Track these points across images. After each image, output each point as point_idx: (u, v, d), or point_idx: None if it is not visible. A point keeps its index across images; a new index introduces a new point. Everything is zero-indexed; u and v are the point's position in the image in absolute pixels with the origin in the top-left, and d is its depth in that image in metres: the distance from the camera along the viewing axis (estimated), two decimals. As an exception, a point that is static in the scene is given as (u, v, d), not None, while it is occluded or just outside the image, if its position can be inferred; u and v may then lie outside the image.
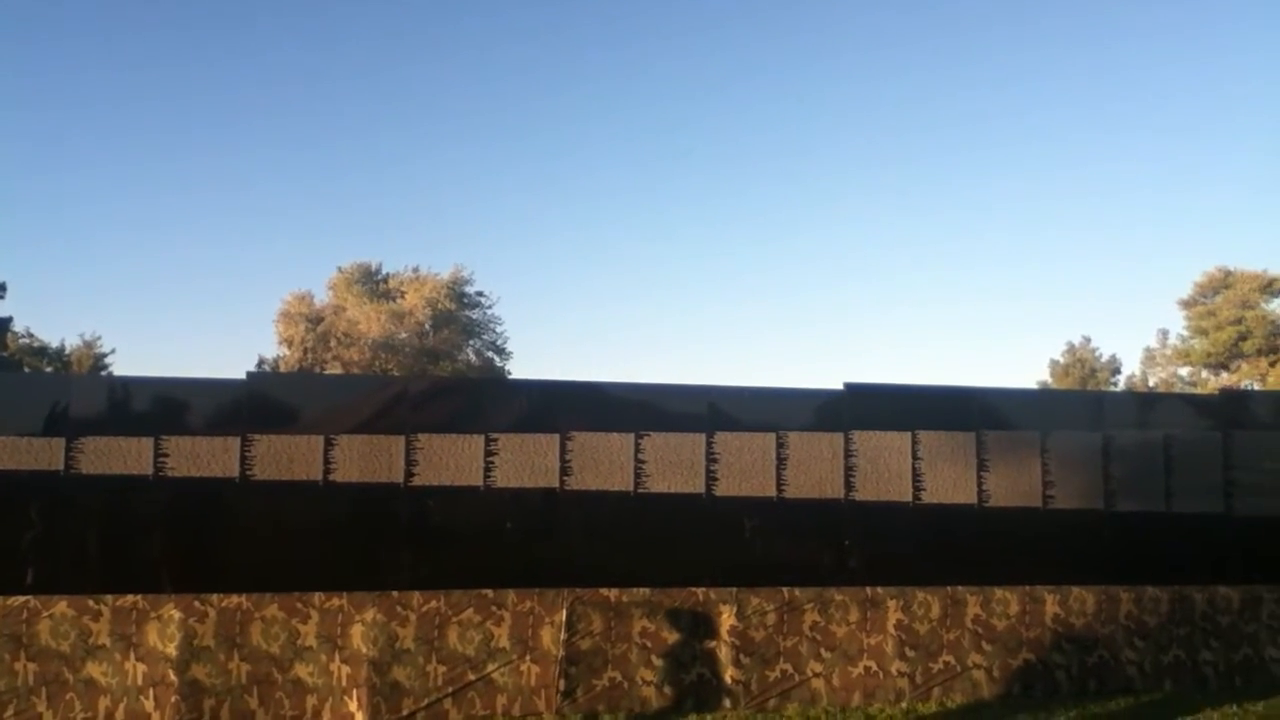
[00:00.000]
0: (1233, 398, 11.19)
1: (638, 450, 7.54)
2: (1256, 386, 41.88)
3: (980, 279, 72.32)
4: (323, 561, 7.14)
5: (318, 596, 6.87)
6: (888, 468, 7.92)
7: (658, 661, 7.16)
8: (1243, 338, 44.05)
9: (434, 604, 6.97)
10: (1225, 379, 44.25)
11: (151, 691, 6.57)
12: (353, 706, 6.76)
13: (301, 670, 6.77)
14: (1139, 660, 7.87)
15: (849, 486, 7.87)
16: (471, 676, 6.93)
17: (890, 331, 69.67)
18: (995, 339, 70.15)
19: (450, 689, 6.89)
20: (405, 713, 6.80)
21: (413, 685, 6.85)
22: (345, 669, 6.81)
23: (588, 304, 71.42)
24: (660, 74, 72.97)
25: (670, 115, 74.62)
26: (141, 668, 6.59)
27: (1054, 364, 48.30)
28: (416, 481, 7.22)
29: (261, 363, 43.77)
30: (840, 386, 8.12)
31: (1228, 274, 45.75)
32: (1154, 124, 68.56)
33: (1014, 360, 71.58)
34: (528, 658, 7.03)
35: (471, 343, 48.43)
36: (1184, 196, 67.50)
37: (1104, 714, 7.07)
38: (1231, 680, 7.94)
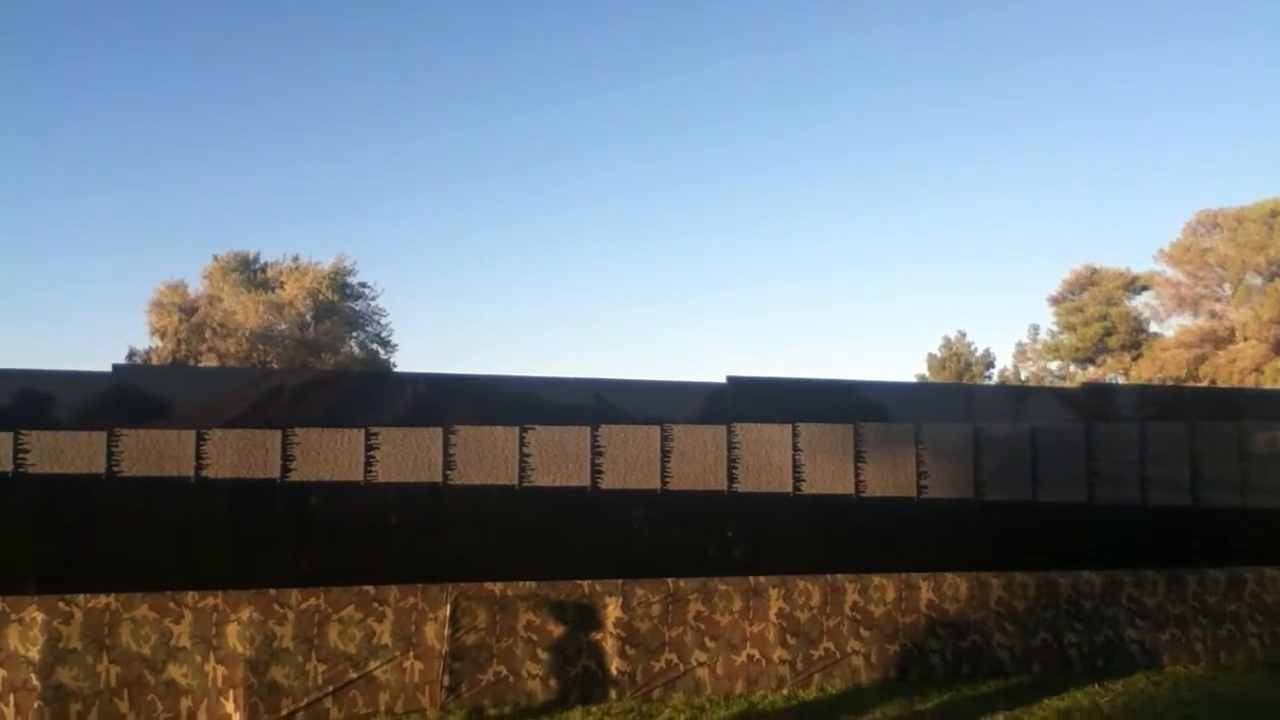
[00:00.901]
0: (1096, 391, 11.72)
1: (522, 443, 7.52)
2: (1120, 380, 43.92)
3: (863, 276, 74.22)
4: (196, 560, 6.94)
5: (191, 596, 6.66)
6: (769, 459, 8.06)
7: (543, 655, 7.16)
8: (1108, 333, 46.19)
9: (313, 601, 6.84)
10: (1091, 373, 46.29)
11: (12, 698, 6.29)
12: (229, 707, 6.59)
13: (175, 671, 6.56)
14: (1009, 644, 8.17)
15: (732, 478, 7.98)
16: (353, 674, 6.82)
17: (775, 326, 71.04)
18: (878, 334, 72.09)
19: (331, 687, 6.76)
20: (284, 712, 6.65)
21: (292, 684, 6.70)
22: (221, 669, 6.63)
23: (475, 297, 70.95)
24: (542, 58, 72.84)
25: (556, 102, 74.48)
26: (1, 673, 6.30)
27: (932, 358, 49.93)
28: (294, 477, 7.07)
29: (132, 354, 42.11)
30: (723, 380, 8.24)
31: (1094, 272, 47.89)
32: (1026, 125, 71.26)
33: (895, 354, 73.72)
34: (411, 654, 6.94)
35: (355, 335, 47.39)
36: (1055, 196, 70.38)
37: (976, 697, 7.31)
38: (1094, 661, 8.30)
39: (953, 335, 50.29)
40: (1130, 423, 9.15)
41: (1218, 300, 45.33)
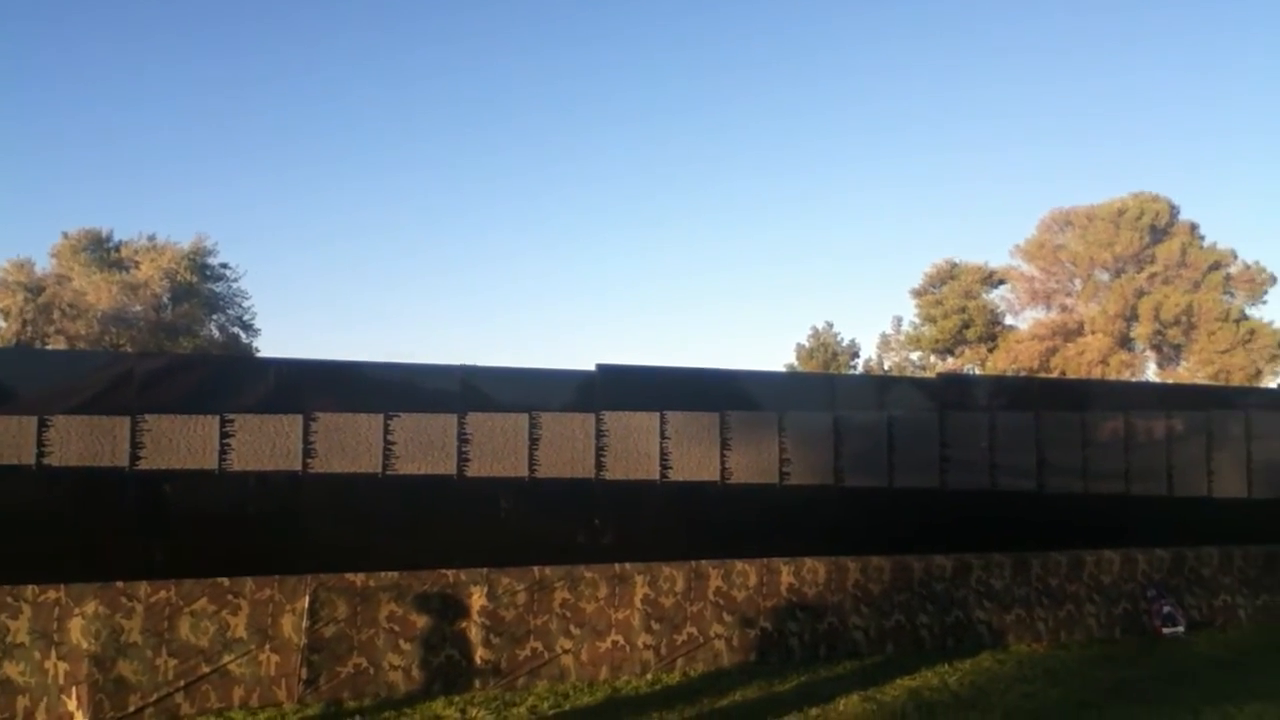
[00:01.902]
0: (950, 381, 12.17)
1: (387, 431, 7.40)
2: (977, 371, 45.72)
3: (736, 268, 75.28)
4: (38, 552, 6.60)
5: (30, 589, 6.36)
6: (637, 447, 8.13)
7: (406, 645, 7.07)
8: (966, 325, 48.01)
9: (163, 594, 6.60)
10: (951, 363, 48.07)
11: None
12: (71, 705, 6.31)
13: (11, 669, 6.26)
14: (865, 626, 8.44)
15: (600, 466, 8.02)
16: (206, 669, 6.62)
17: (650, 316, 71.49)
18: (750, 325, 73.31)
19: (182, 682, 6.55)
20: (132, 709, 6.41)
21: (140, 680, 6.47)
22: (63, 666, 6.35)
23: (345, 280, 69.33)
24: (417, 42, 71.40)
25: (433, 83, 73.19)
26: None
27: (800, 348, 51.06)
28: (144, 465, 6.81)
29: (-27, 335, 39.76)
30: (593, 368, 8.27)
31: (954, 266, 49.67)
32: (893, 126, 73.39)
33: (766, 345, 75.16)
34: (267, 647, 6.77)
35: (215, 318, 45.64)
36: (920, 194, 72.72)
37: (833, 678, 7.53)
38: (944, 641, 8.65)
39: (820, 326, 51.58)
40: (982, 412, 9.54)
41: (1068, 295, 47.57)
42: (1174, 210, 45.80)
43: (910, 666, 7.79)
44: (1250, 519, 10.49)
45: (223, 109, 68.23)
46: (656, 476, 8.17)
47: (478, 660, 7.24)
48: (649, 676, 7.55)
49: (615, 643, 7.65)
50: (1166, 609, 9.32)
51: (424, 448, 7.51)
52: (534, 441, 7.84)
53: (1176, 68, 66.93)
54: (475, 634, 7.26)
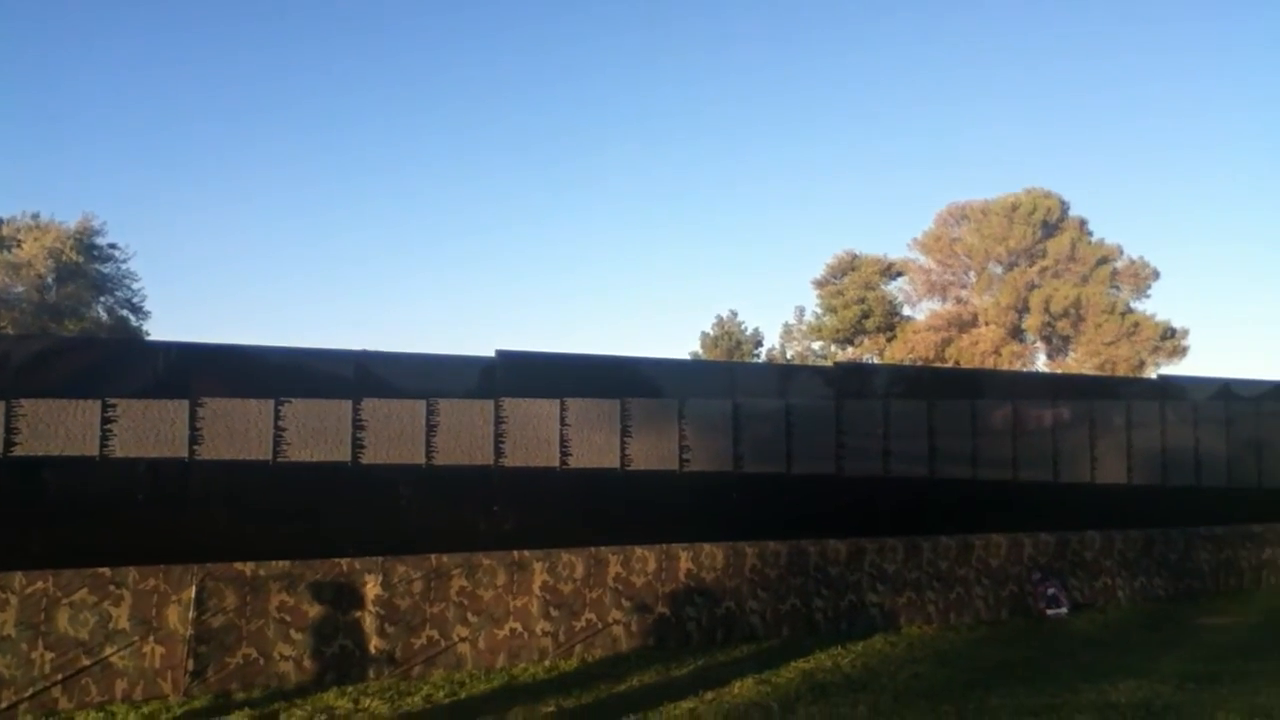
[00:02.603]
0: (847, 370, 12.38)
1: (278, 417, 7.23)
2: (876, 360, 46.68)
3: (644, 256, 75.46)
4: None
5: (-106, 583, 6.06)
6: (537, 434, 8.09)
7: (297, 635, 6.93)
8: (865, 315, 48.95)
9: (40, 585, 6.35)
10: (851, 353, 48.99)
11: None
12: (-62, 703, 6.04)
13: (-128, 667, 5.96)
14: (761, 610, 8.56)
15: (499, 453, 7.96)
16: (86, 661, 6.39)
17: (557, 303, 71.25)
18: (657, 312, 73.54)
19: (60, 676, 6.31)
20: (5, 705, 6.15)
21: (14, 675, 6.21)
22: (-71, 662, 6.06)
23: (239, 262, 67.37)
24: (304, 23, 69.78)
25: (324, 68, 71.61)
26: None
27: (705, 336, 51.47)
28: (19, 451, 6.53)
29: None
30: (493, 354, 8.19)
31: (855, 258, 50.57)
32: (799, 118, 74.34)
33: (672, 332, 75.56)
34: (152, 639, 6.57)
35: (102, 300, 44.00)
36: (824, 186, 73.73)
37: (729, 661, 7.62)
38: (839, 624, 8.82)
39: (725, 315, 52.06)
40: (877, 400, 9.73)
41: (963, 287, 48.80)
42: (1064, 206, 47.30)
43: (805, 649, 7.92)
44: (1130, 504, 10.93)
45: (116, 86, 65.62)
46: (557, 463, 8.14)
47: (372, 650, 7.13)
48: (547, 663, 7.54)
49: (513, 630, 7.62)
50: (1051, 591, 9.66)
51: (317, 434, 7.35)
52: (432, 428, 7.74)
53: (1071, 66, 69.10)
54: (370, 623, 7.15)
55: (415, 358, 8.07)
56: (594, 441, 8.28)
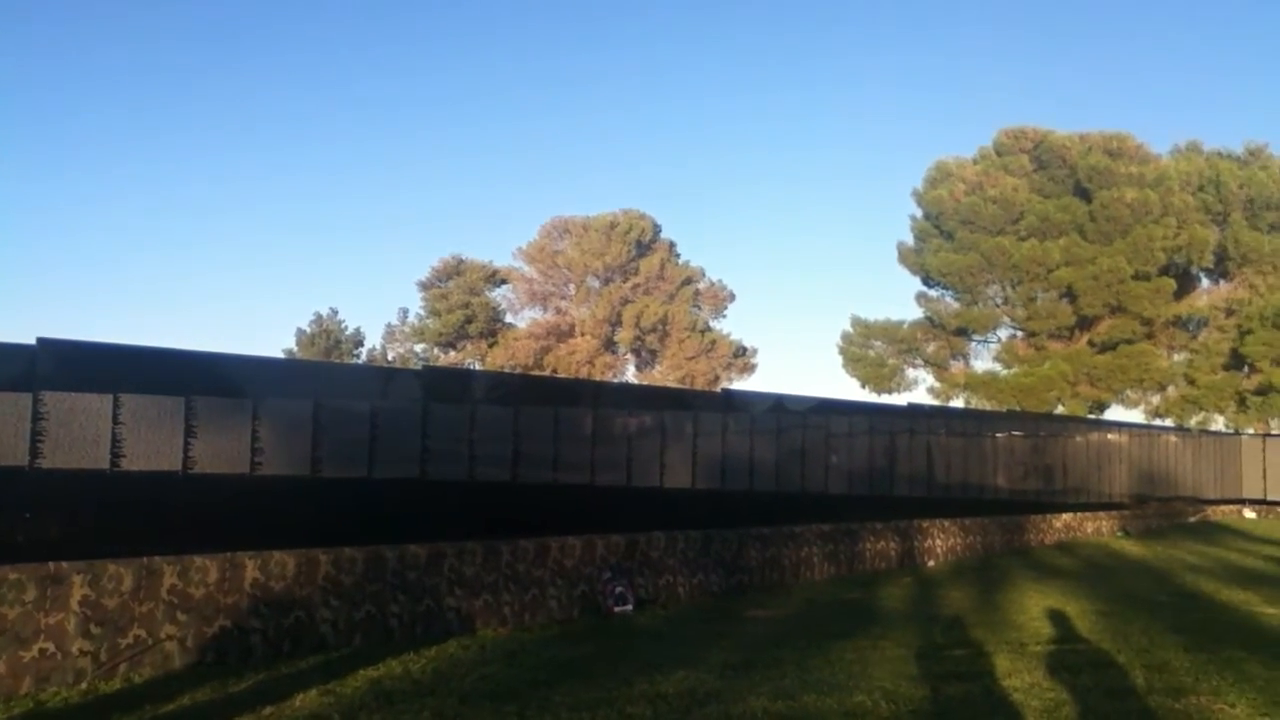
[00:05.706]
0: (440, 374, 12.40)
1: None
2: (478, 365, 47.24)
3: (236, 244, 71.26)
4: None
5: None
6: (83, 432, 7.30)
7: None
8: (469, 320, 49.48)
9: None
10: (453, 357, 49.22)
11: None
12: None
13: None
14: (333, 618, 8.27)
15: (36, 452, 7.10)
16: None
17: (127, 291, 65.39)
18: (248, 306, 69.68)
19: None
20: None
21: None
22: None
23: None
24: None
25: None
26: None
27: (301, 333, 49.44)
28: None
29: None
30: (33, 341, 7.29)
31: (461, 262, 50.94)
32: (412, 121, 73.78)
33: (264, 328, 72.06)
34: None
35: None
36: (434, 187, 73.70)
37: (294, 674, 7.27)
38: (414, 630, 8.72)
39: (325, 312, 50.31)
40: (464, 405, 9.78)
41: (563, 298, 50.72)
42: (657, 228, 50.68)
43: (376, 657, 7.75)
44: (693, 506, 11.82)
45: None
46: (106, 465, 7.38)
47: None
48: (83, 686, 6.79)
49: (44, 650, 6.78)
50: (618, 589, 10.19)
51: None
52: (-50, 423, 6.74)
53: (678, 97, 74.19)
54: None
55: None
56: (151, 441, 7.61)
